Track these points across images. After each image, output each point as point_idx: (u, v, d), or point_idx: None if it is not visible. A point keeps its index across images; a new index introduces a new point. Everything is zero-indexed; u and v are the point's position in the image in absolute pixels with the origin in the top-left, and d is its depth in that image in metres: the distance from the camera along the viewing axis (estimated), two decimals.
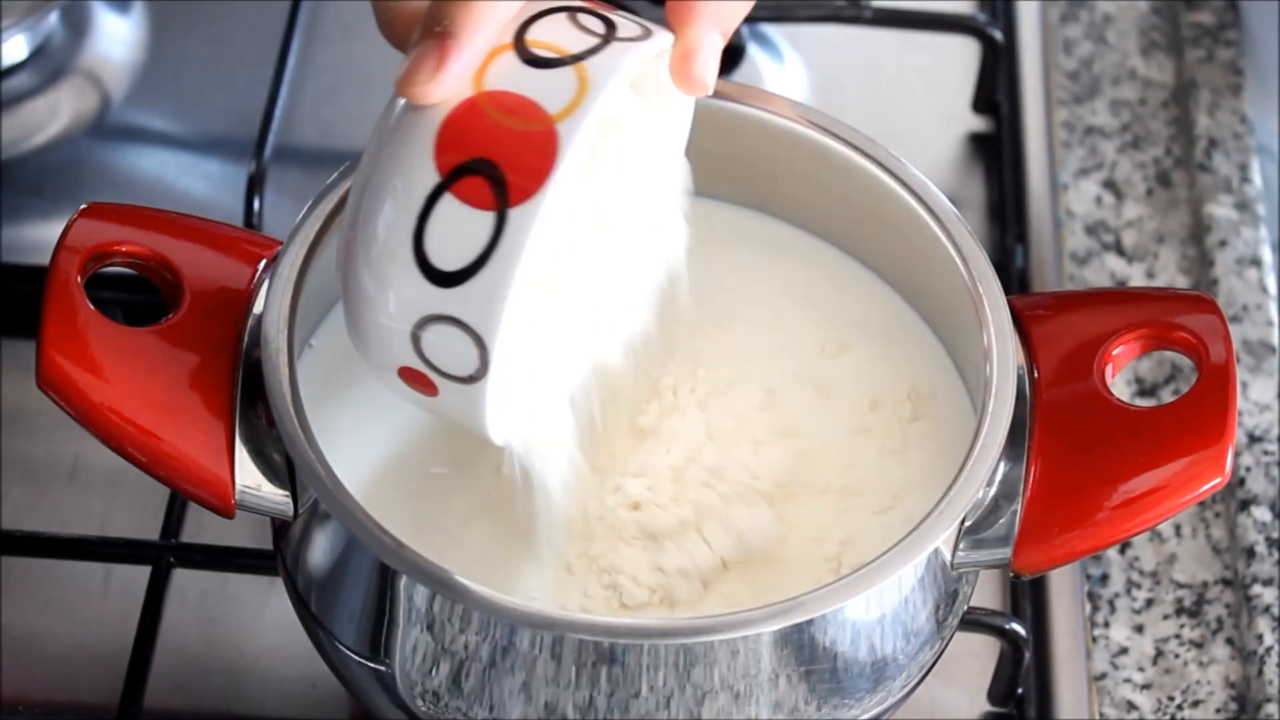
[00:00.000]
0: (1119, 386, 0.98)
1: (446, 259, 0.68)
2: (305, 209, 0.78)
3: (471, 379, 0.69)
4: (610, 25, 0.70)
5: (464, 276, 0.68)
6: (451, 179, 0.68)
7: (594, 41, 0.70)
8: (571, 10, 0.71)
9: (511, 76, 0.69)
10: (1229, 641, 0.92)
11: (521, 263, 0.67)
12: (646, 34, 0.71)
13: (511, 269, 0.68)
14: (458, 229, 0.68)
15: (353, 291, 0.70)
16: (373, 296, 0.69)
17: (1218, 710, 0.90)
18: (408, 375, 0.71)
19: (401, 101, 0.69)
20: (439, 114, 0.68)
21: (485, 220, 0.67)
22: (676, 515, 0.76)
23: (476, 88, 0.69)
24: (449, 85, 0.68)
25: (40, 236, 1.01)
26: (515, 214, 0.67)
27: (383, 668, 0.75)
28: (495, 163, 0.68)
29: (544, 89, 0.68)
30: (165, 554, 0.88)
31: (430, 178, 0.68)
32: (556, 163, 0.68)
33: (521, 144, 0.68)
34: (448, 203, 0.68)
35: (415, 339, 0.69)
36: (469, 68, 0.68)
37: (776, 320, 0.82)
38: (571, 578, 0.76)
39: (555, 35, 0.70)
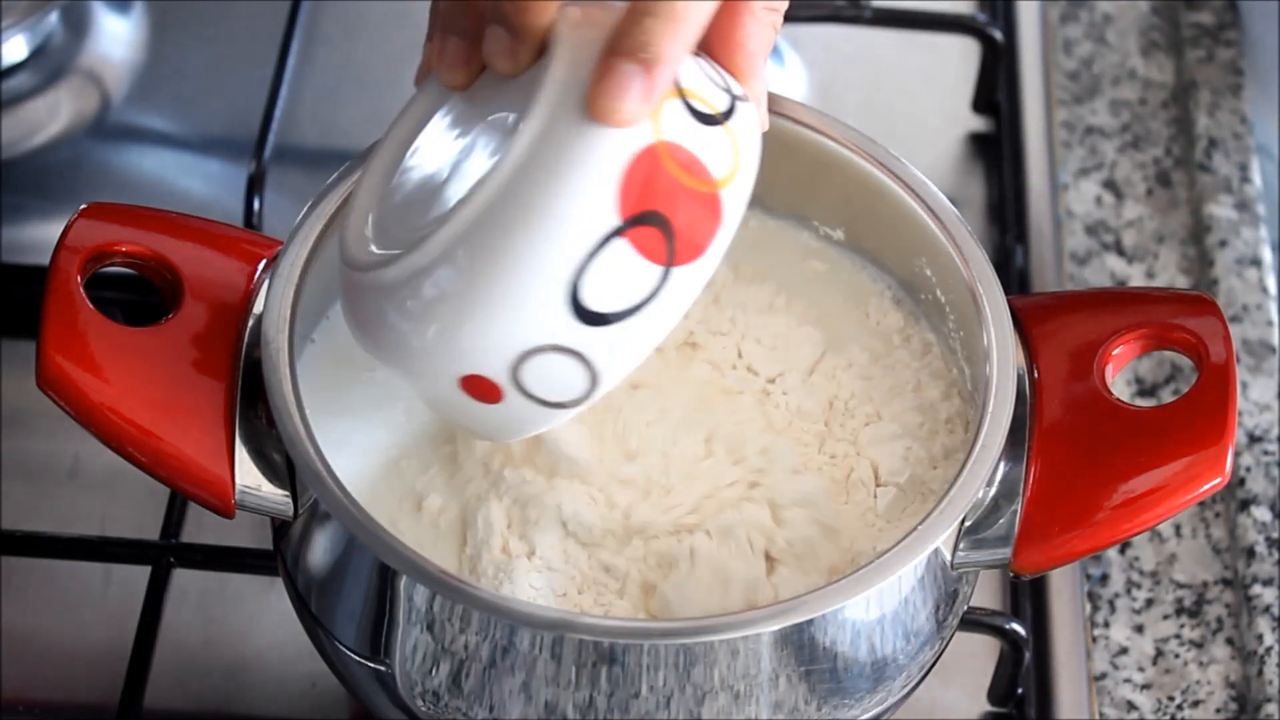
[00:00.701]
0: (1119, 386, 0.98)
1: (600, 299, 0.67)
2: (305, 209, 0.78)
3: (559, 405, 0.69)
4: (723, 75, 0.71)
5: (611, 320, 0.68)
6: (630, 225, 0.67)
7: (727, 99, 0.70)
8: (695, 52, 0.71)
9: (682, 128, 0.68)
10: (1229, 641, 0.92)
11: (674, 320, 0.68)
12: (745, 93, 0.72)
13: (665, 325, 0.68)
14: (624, 275, 0.67)
15: (464, 291, 0.68)
16: (498, 308, 0.67)
17: (1218, 710, 0.90)
18: (474, 383, 0.70)
19: (557, 117, 0.67)
20: (622, 153, 0.67)
21: (652, 273, 0.68)
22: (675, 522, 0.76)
23: (655, 133, 0.68)
24: (645, 114, 0.67)
25: (40, 236, 1.01)
26: (679, 273, 0.68)
27: (383, 668, 0.75)
28: (668, 218, 0.67)
29: (709, 149, 0.69)
30: (165, 554, 0.88)
31: (611, 219, 0.67)
32: (720, 229, 0.69)
33: (694, 205, 0.68)
34: (621, 247, 0.67)
35: (522, 359, 0.68)
36: (661, 100, 0.68)
37: (775, 317, 0.82)
38: (572, 575, 0.76)
39: (700, 85, 0.70)
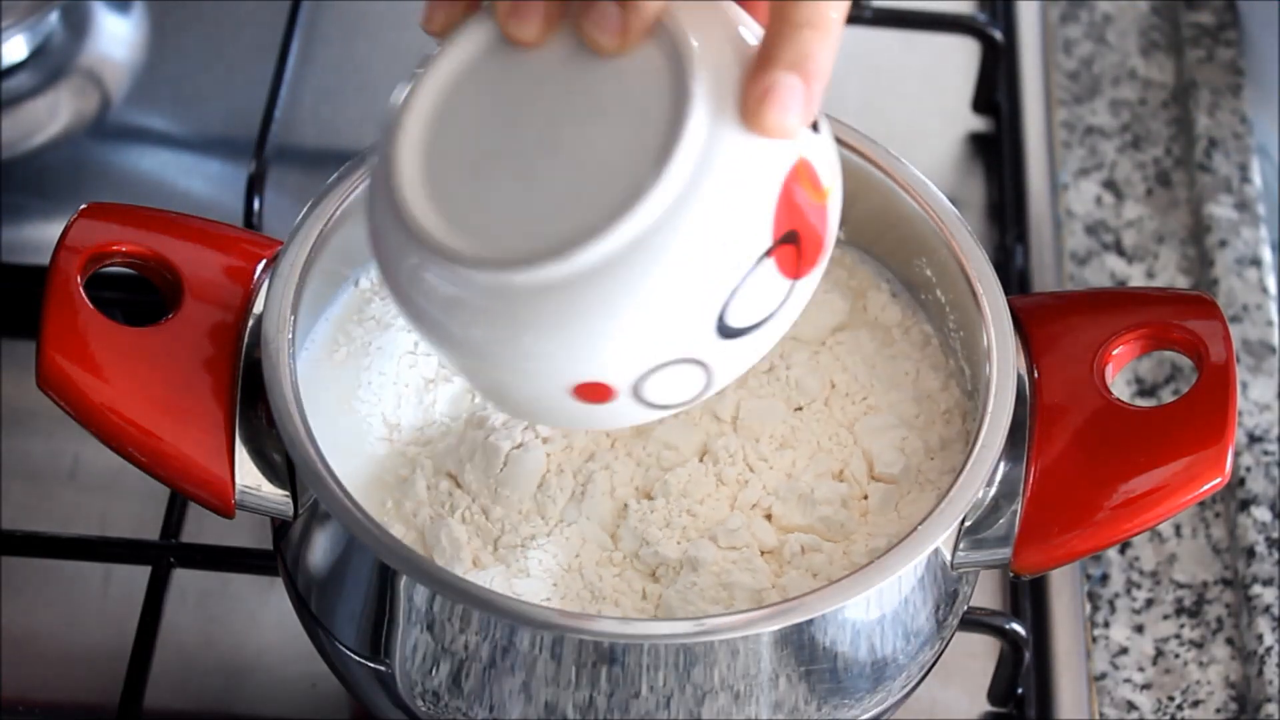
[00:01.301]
0: (1119, 386, 0.98)
1: (739, 315, 0.66)
2: (305, 209, 0.78)
3: (664, 408, 0.68)
4: None
5: (740, 333, 0.67)
6: (778, 244, 0.66)
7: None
8: None
9: (807, 140, 0.67)
10: (1229, 641, 0.92)
11: (785, 331, 0.68)
12: None
13: (778, 335, 0.68)
14: (762, 292, 0.66)
15: (614, 305, 0.65)
16: (650, 325, 0.65)
17: (1218, 710, 0.90)
18: (588, 389, 0.67)
19: (717, 128, 0.65)
20: (780, 170, 0.66)
21: (782, 288, 0.67)
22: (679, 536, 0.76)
23: (797, 147, 0.66)
24: (803, 128, 0.66)
25: (40, 236, 1.01)
26: (799, 286, 0.67)
27: (383, 668, 0.75)
28: (800, 235, 0.67)
29: (821, 159, 0.68)
30: (165, 554, 0.88)
31: (768, 239, 0.66)
32: (829, 239, 0.68)
33: (816, 217, 0.67)
34: (768, 266, 0.66)
35: (653, 371, 0.66)
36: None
37: None
38: (554, 584, 0.76)
39: None
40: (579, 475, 0.77)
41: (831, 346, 0.81)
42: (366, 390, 0.79)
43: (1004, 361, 0.76)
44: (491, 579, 0.74)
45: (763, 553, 0.75)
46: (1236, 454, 0.95)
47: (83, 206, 0.78)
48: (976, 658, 0.89)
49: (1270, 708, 0.88)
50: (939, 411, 0.80)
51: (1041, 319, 0.78)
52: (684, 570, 0.75)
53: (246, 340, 0.76)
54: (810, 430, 0.79)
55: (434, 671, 0.73)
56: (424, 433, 0.78)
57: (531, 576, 0.74)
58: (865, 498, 0.77)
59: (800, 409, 0.79)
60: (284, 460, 0.75)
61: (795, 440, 0.78)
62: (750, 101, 0.65)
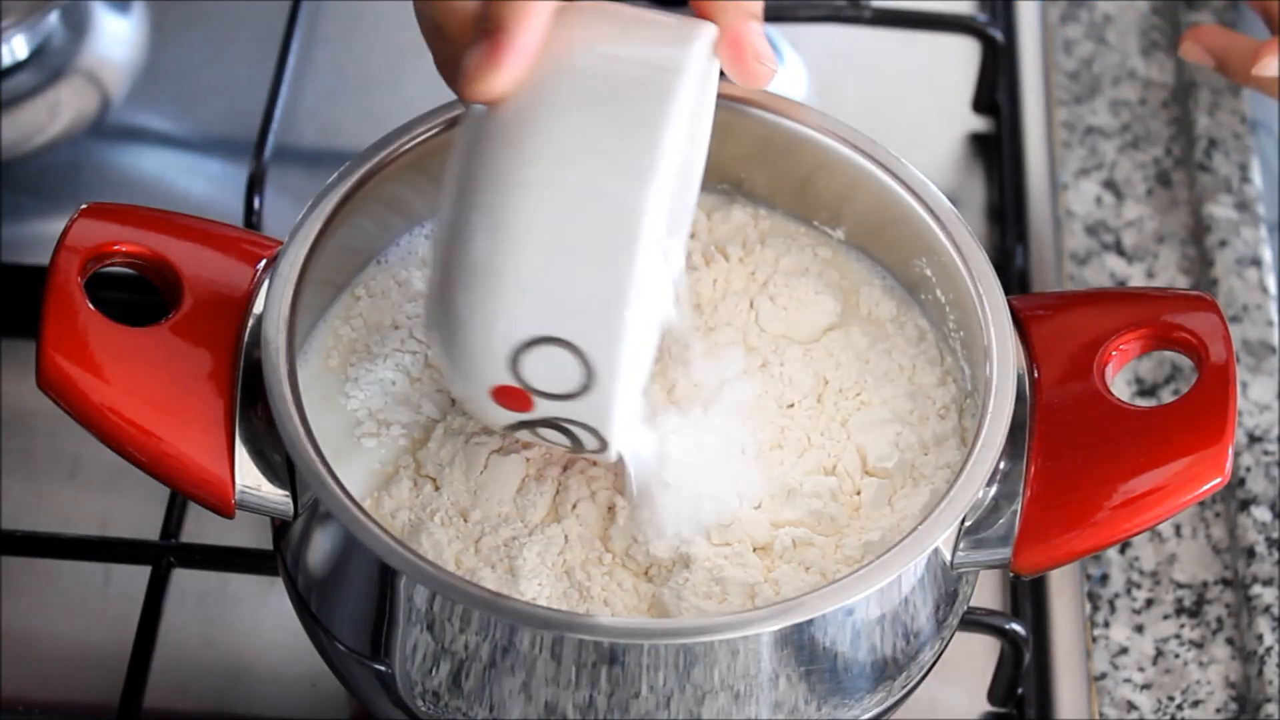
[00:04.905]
0: (1119, 386, 0.98)
1: None
2: (305, 209, 0.78)
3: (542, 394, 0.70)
4: None
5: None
6: None
7: None
8: None
9: None
10: (1229, 641, 0.92)
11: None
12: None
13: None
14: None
15: (449, 314, 0.70)
16: (470, 319, 0.69)
17: (1218, 710, 0.90)
18: (502, 394, 0.71)
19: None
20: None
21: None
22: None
23: None
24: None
25: (40, 236, 1.01)
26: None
27: (383, 668, 0.75)
28: None
29: None
30: (165, 554, 0.88)
31: None
32: None
33: None
34: None
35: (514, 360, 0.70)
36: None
37: (774, 315, 0.82)
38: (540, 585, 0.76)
39: None
40: (559, 479, 0.77)
41: (824, 343, 0.81)
42: (354, 387, 0.79)
43: (1004, 361, 0.76)
44: (479, 579, 0.74)
45: (755, 548, 0.76)
46: (1236, 454, 0.95)
47: (83, 206, 0.78)
48: (976, 658, 0.89)
49: (1270, 708, 0.88)
50: (934, 407, 0.80)
51: (1041, 319, 0.79)
52: (676, 567, 0.75)
53: (246, 340, 0.76)
54: (801, 426, 0.79)
55: (434, 671, 0.73)
56: (410, 432, 0.78)
57: (517, 577, 0.74)
58: (858, 492, 0.77)
59: (792, 405, 0.80)
60: (284, 460, 0.75)
61: (785, 436, 0.78)
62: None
